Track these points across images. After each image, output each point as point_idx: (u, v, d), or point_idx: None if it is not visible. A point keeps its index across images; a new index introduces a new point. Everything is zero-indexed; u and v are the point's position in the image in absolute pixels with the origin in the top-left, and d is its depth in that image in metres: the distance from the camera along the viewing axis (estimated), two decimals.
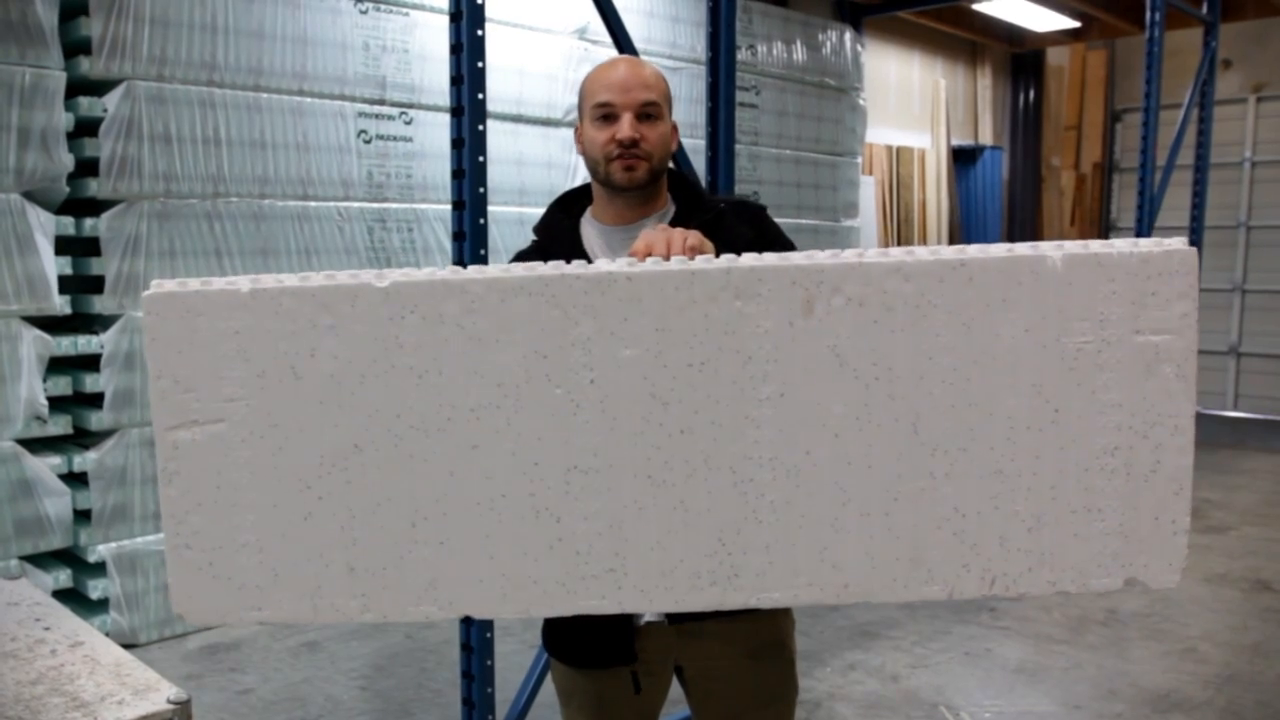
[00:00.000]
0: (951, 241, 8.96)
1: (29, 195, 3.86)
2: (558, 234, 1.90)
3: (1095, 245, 1.28)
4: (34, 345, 3.83)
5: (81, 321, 4.14)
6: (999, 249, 1.29)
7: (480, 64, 2.73)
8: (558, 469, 1.32)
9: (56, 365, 4.02)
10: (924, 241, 8.71)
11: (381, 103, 4.79)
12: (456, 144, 2.75)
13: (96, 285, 4.03)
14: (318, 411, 1.32)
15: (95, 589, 4.02)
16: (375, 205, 4.77)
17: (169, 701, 1.80)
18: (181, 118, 4.16)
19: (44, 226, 3.86)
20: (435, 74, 4.88)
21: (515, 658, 3.89)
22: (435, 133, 4.92)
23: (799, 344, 1.29)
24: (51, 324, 3.99)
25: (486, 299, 1.30)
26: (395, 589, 1.35)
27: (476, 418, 1.31)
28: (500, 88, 5.04)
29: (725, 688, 1.88)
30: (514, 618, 1.39)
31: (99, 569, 4.05)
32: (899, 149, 8.54)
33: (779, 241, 1.84)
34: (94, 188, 4.00)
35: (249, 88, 4.37)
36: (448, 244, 4.96)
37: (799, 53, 6.97)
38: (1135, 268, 1.27)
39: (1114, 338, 1.29)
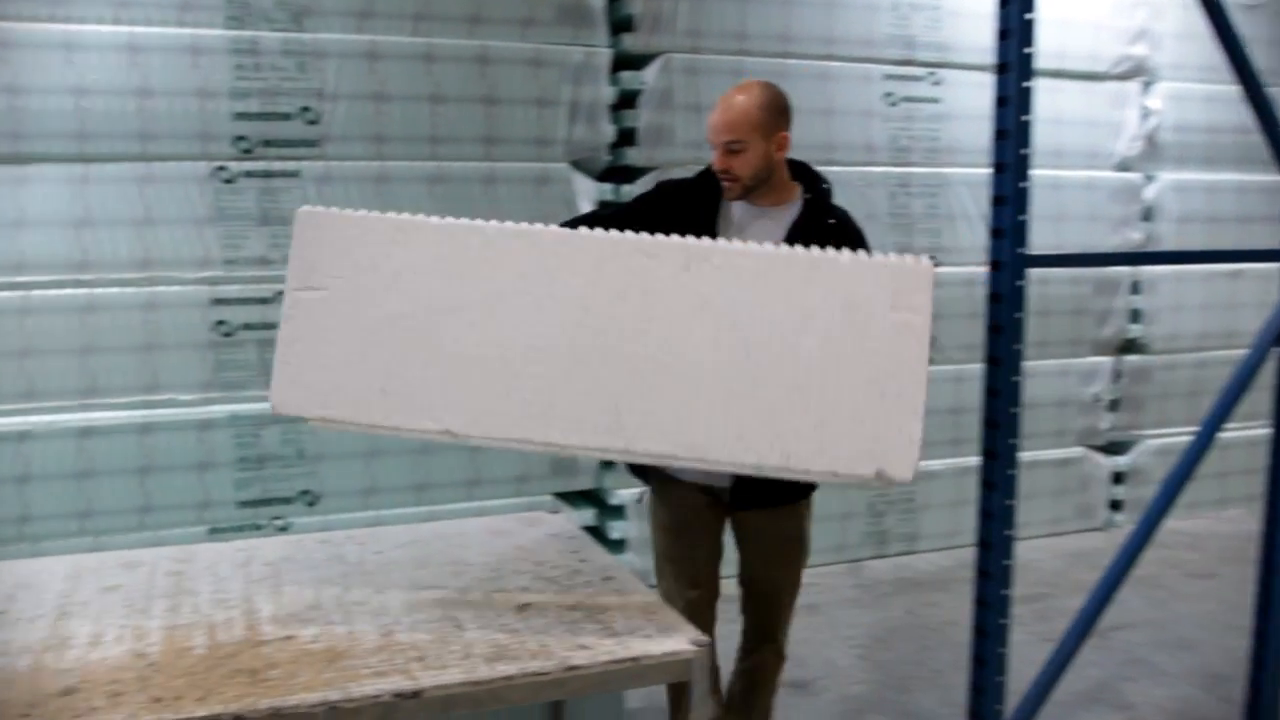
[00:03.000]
0: None
1: (575, 164, 4.18)
2: (709, 184, 2.52)
3: (876, 255, 1.94)
4: None
5: None
6: (815, 250, 1.93)
7: (1029, 16, 2.52)
8: (521, 345, 1.95)
9: None
10: None
11: (909, 63, 4.63)
12: (1001, 102, 2.56)
13: None
14: (383, 291, 1.97)
15: (615, 530, 4.29)
16: (899, 170, 4.64)
17: (691, 643, 1.86)
18: (712, 87, 4.25)
19: (588, 193, 4.17)
20: (968, 30, 4.63)
21: (1026, 649, 3.59)
22: (965, 93, 4.68)
23: (680, 287, 1.93)
24: None
25: (496, 238, 1.97)
26: (407, 409, 1.96)
27: (477, 307, 1.96)
28: (1042, 40, 4.68)
29: (759, 538, 2.68)
30: (477, 436, 1.97)
31: (618, 511, 4.31)
32: None
33: None
34: (631, 156, 4.25)
35: (777, 54, 4.41)
36: (973, 209, 4.71)
37: None
38: (894, 269, 1.90)
39: (878, 311, 1.88)
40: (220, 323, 3.76)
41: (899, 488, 4.66)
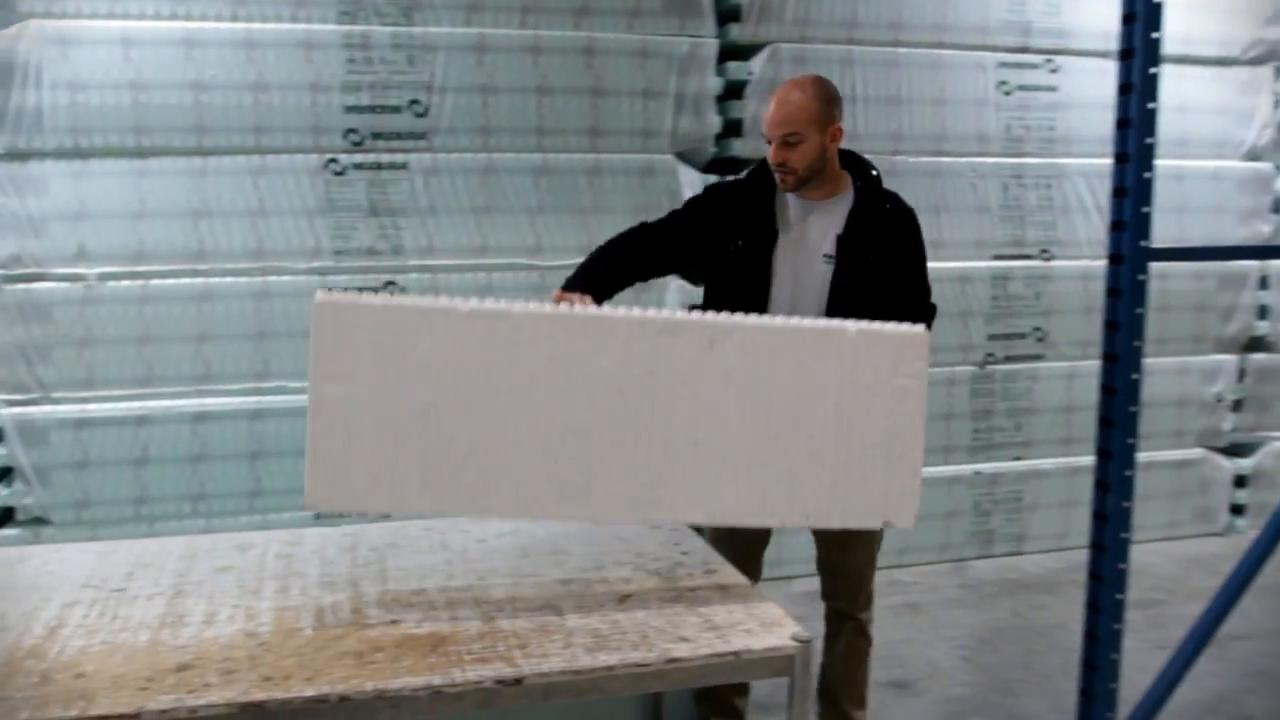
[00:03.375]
0: None
1: (681, 155, 4.17)
2: (762, 183, 2.63)
3: (879, 325, 2.10)
4: (677, 295, 4.13)
5: None
6: (824, 322, 2.17)
7: None
8: (558, 430, 1.99)
9: None
10: None
11: (1025, 50, 4.50)
12: (1124, 90, 2.47)
13: None
14: (411, 381, 1.94)
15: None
16: (1012, 160, 4.52)
17: (793, 638, 1.85)
18: None
19: (692, 184, 4.12)
20: (1088, 15, 4.48)
21: (1138, 655, 3.47)
22: (1084, 80, 4.53)
23: (705, 365, 2.03)
24: None
25: (524, 324, 1.97)
26: (449, 497, 1.98)
27: (512, 393, 1.97)
28: (1168, 24, 4.51)
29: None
30: (518, 518, 2.29)
31: None
32: None
33: (904, 256, 2.62)
34: (737, 147, 4.21)
35: (887, 43, 4.33)
36: (1089, 201, 4.56)
37: None
38: (895, 340, 2.09)
39: (882, 379, 2.08)
40: None
41: (1006, 487, 4.61)
